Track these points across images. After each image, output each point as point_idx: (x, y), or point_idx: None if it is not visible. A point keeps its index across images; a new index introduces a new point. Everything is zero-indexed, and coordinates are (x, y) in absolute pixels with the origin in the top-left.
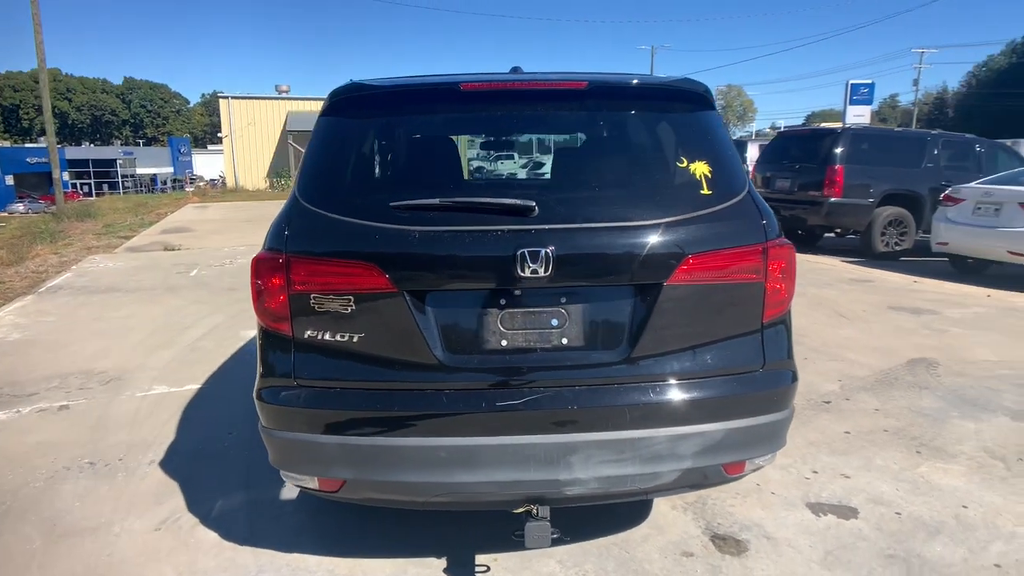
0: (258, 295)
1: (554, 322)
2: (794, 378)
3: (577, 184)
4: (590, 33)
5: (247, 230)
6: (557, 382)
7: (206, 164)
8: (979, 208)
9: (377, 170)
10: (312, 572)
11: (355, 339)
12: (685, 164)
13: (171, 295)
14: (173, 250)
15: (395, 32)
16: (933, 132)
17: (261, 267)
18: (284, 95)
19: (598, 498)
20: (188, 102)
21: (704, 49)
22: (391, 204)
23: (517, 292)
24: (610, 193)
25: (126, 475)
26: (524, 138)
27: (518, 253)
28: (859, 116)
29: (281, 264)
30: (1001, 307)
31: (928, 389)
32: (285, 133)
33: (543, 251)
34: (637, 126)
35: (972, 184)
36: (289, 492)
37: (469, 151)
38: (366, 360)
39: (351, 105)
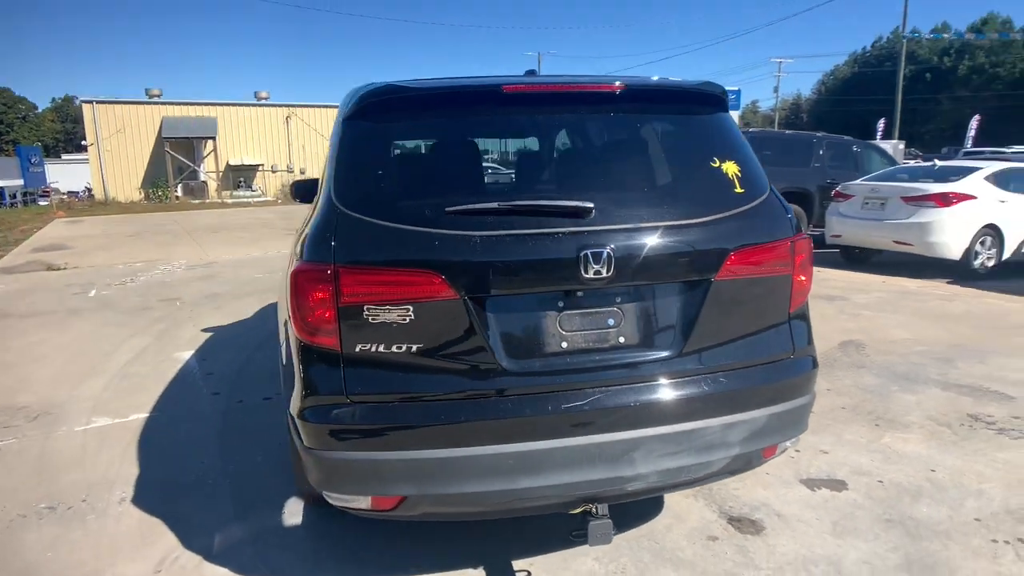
0: (300, 309)
1: (611, 322)
2: (815, 364)
3: (624, 184)
4: (487, 39)
5: (137, 245)
6: (617, 381)
7: (64, 174)
8: (867, 203)
9: (422, 174)
10: None
11: (413, 349)
12: (717, 164)
13: (77, 319)
14: (58, 270)
15: (262, 34)
16: (818, 135)
17: (304, 279)
18: (157, 100)
19: (653, 492)
20: (36, 107)
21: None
22: (448, 209)
23: (579, 293)
24: (656, 193)
25: (97, 517)
26: (563, 139)
27: (581, 254)
28: None
29: (329, 275)
30: (897, 291)
31: (865, 368)
32: (160, 140)
33: (605, 251)
34: (669, 127)
35: (859, 181)
36: (292, 517)
37: (510, 153)
38: (426, 370)
39: (386, 107)
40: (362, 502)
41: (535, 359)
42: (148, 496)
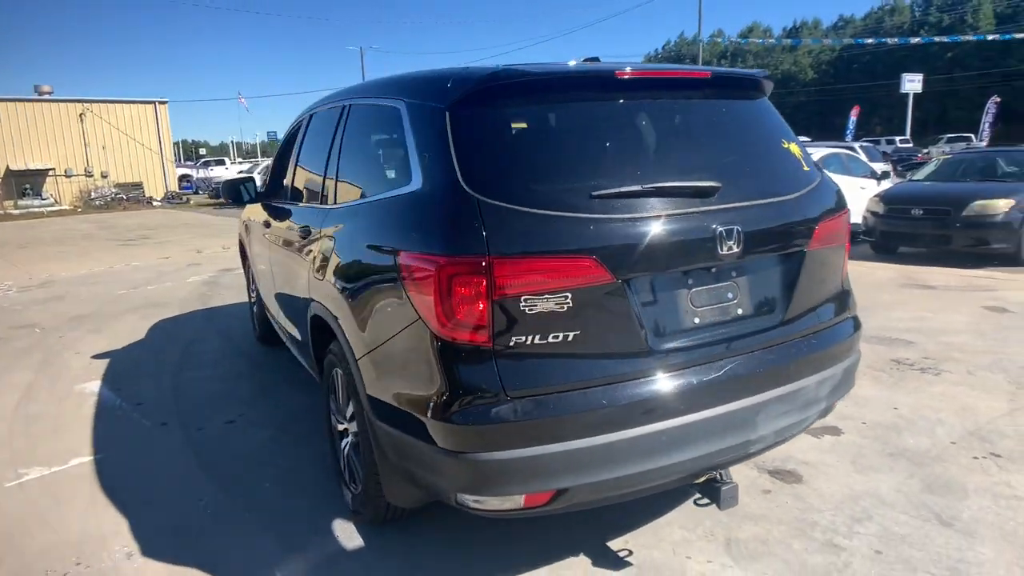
0: (448, 306)
1: (730, 295)
2: (859, 323)
3: (731, 164)
4: (310, 31)
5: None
6: (742, 350)
7: None
8: None
9: (553, 158)
10: None
11: (570, 337)
12: (786, 145)
13: None
14: None
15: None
16: None
17: (453, 274)
18: (48, 96)
19: (764, 451)
20: None
21: (408, 52)
22: (594, 193)
23: (712, 269)
24: (755, 171)
25: None
26: (666, 123)
27: (717, 232)
28: None
29: (484, 268)
30: None
31: None
32: None
33: (735, 228)
34: (744, 111)
35: None
36: (349, 540)
37: (622, 136)
38: (582, 358)
39: (507, 91)
40: (512, 502)
41: (675, 336)
42: (159, 547)
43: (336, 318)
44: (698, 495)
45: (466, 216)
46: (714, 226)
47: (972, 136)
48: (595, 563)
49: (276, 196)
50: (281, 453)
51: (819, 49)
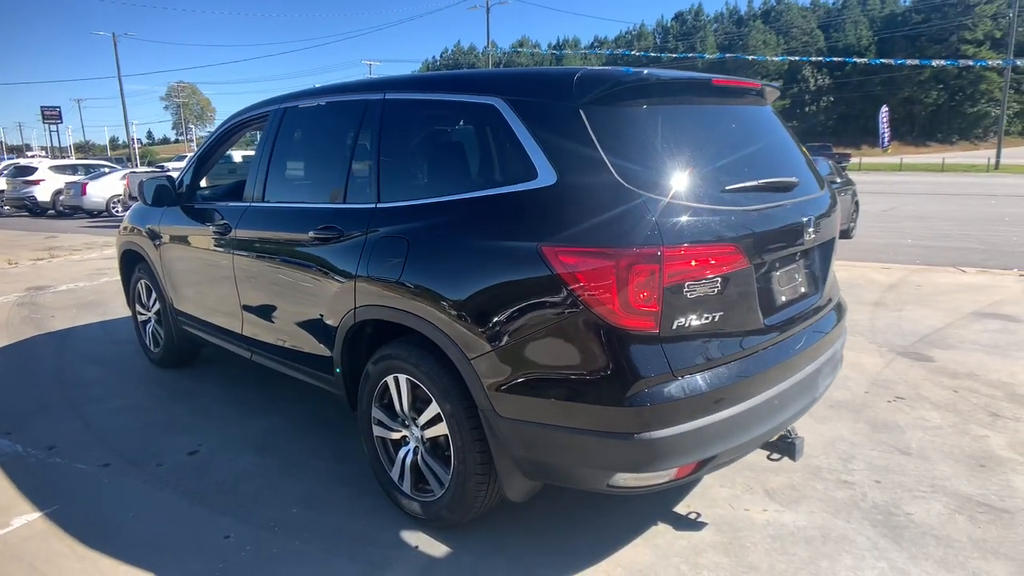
0: (622, 296)
1: (797, 276)
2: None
3: (791, 161)
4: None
5: None
6: (806, 323)
7: None
8: None
9: (685, 155)
10: None
11: (716, 318)
12: (799, 144)
13: None
14: None
15: None
16: None
17: (632, 265)
18: None
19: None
20: None
21: (169, 42)
22: (727, 188)
23: (798, 254)
24: (801, 167)
25: None
26: (743, 125)
27: (805, 220)
28: None
29: (658, 257)
30: None
31: None
32: None
33: (812, 217)
34: (772, 116)
35: None
36: (432, 548)
37: (725, 135)
38: (723, 336)
39: (634, 93)
40: (667, 475)
41: (774, 313)
42: None
43: (424, 319)
44: (766, 452)
45: (636, 209)
46: (803, 216)
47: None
48: (677, 527)
49: (221, 198)
50: (282, 477)
51: (583, 66)
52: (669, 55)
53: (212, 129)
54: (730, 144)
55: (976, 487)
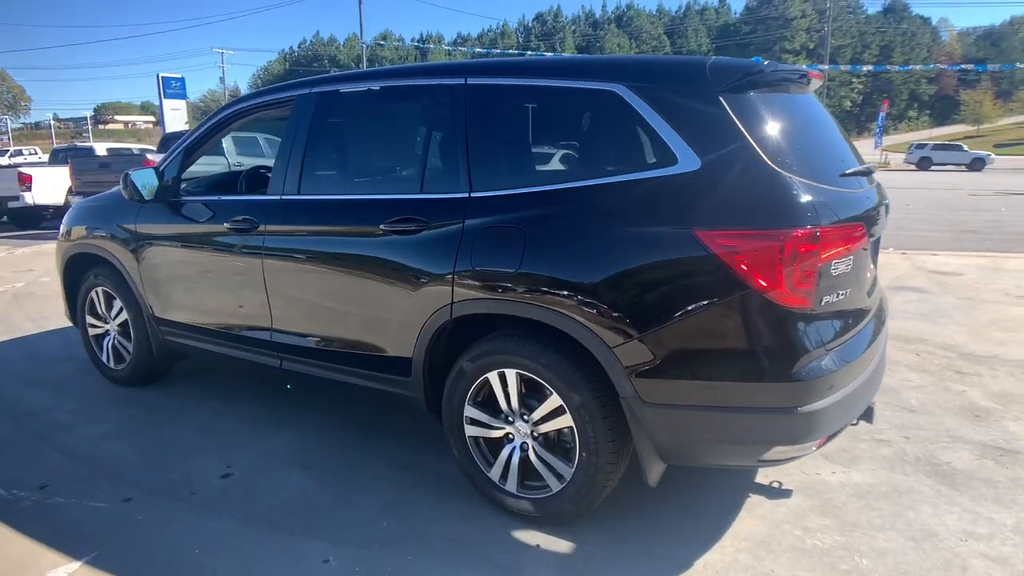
0: (788, 275)
1: (872, 259)
2: None
3: (848, 149)
4: None
5: None
6: (877, 300)
7: None
8: None
9: (808, 141)
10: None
11: (846, 296)
12: None
13: None
14: None
15: None
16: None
17: (796, 244)
18: None
19: None
20: None
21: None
22: (843, 173)
23: (875, 236)
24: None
25: None
26: (814, 113)
27: (884, 204)
28: (176, 110)
29: (817, 237)
30: None
31: None
32: None
33: (886, 202)
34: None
35: None
36: (553, 544)
37: (821, 122)
38: (848, 313)
39: (765, 82)
40: (813, 446)
41: (870, 290)
42: None
43: (555, 311)
44: None
45: (791, 191)
46: (881, 200)
47: None
48: (769, 497)
49: (215, 192)
50: (349, 491)
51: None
52: (533, 52)
53: (28, 120)
54: (821, 130)
55: (983, 434)
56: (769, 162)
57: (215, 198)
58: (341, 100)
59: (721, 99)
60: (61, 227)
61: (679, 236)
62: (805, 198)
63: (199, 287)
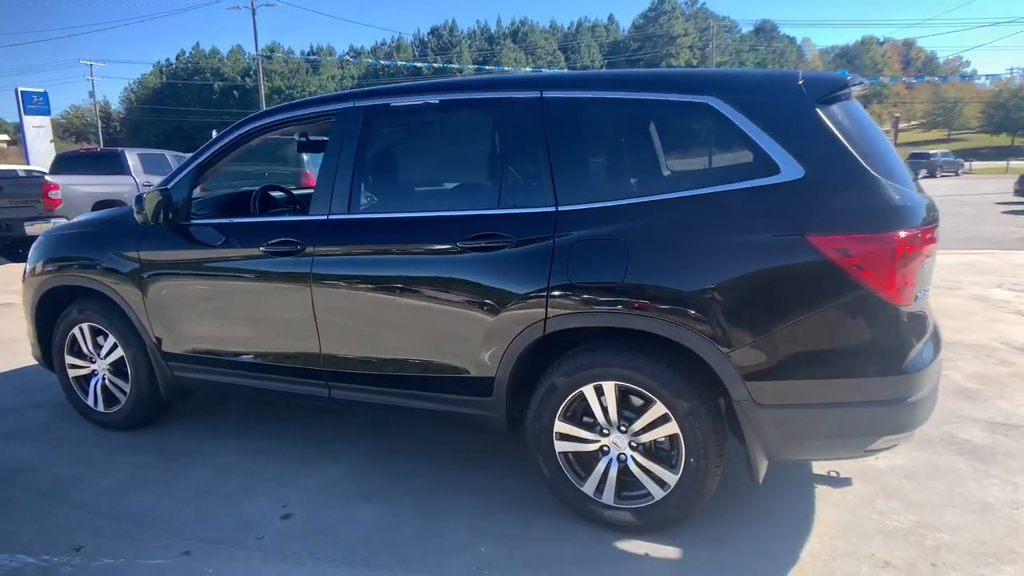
0: (899, 274)
1: None
2: None
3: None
4: None
5: None
6: None
7: None
8: None
9: (878, 147)
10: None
11: (926, 292)
12: None
13: None
14: None
15: None
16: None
17: (906, 245)
18: None
19: None
20: None
21: None
22: (913, 177)
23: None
24: None
25: None
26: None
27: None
28: (39, 127)
29: (918, 238)
30: None
31: None
32: None
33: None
34: None
35: None
36: (659, 552)
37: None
38: (926, 309)
39: (847, 93)
40: (912, 434)
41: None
42: None
43: (664, 321)
44: None
45: (892, 196)
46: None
47: None
48: (834, 486)
49: (231, 214)
50: (431, 521)
51: (341, 75)
52: (434, 66)
53: None
54: (880, 136)
55: (982, 413)
56: (868, 168)
57: (242, 220)
58: (394, 114)
59: (818, 111)
60: (28, 262)
61: (790, 242)
62: (905, 201)
63: (224, 317)
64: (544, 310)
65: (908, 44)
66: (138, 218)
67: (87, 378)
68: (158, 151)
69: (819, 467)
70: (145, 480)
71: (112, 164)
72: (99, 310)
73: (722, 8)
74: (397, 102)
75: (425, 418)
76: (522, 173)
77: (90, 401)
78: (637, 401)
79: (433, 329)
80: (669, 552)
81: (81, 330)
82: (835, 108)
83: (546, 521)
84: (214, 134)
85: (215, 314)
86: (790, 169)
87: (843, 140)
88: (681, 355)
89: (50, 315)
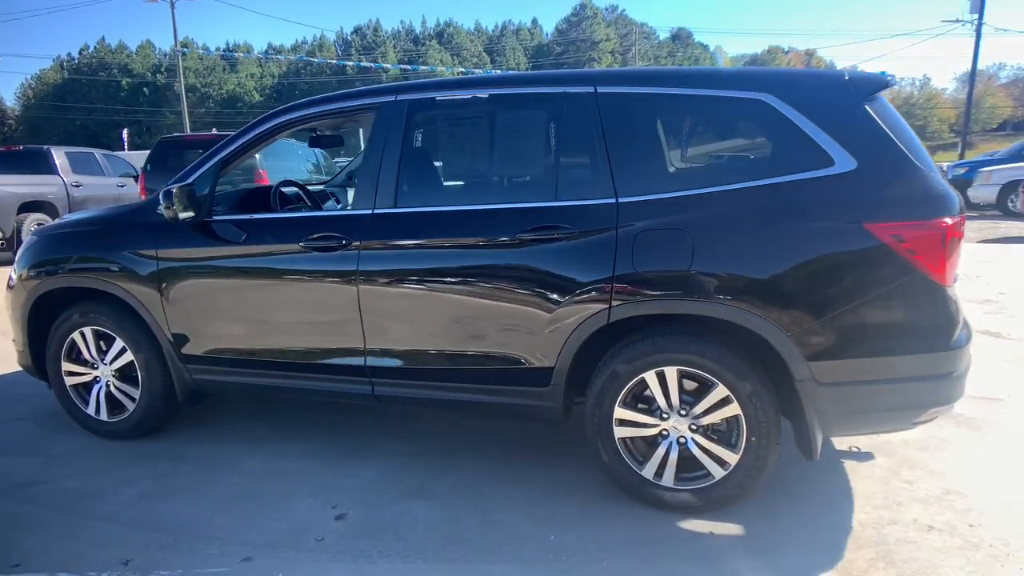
0: (950, 258)
1: None
2: None
3: None
4: None
5: None
6: None
7: None
8: None
9: (915, 139)
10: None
11: (958, 274)
12: None
13: None
14: None
15: None
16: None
17: (953, 230)
18: None
19: None
20: None
21: None
22: (940, 169)
23: None
24: None
25: None
26: None
27: None
28: None
29: (960, 224)
30: None
31: None
32: None
33: None
34: None
35: None
36: (726, 529)
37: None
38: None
39: (885, 90)
40: (954, 406)
41: None
42: None
43: (729, 306)
44: None
45: (937, 185)
46: None
47: None
48: (859, 461)
49: (253, 209)
50: (486, 513)
51: (260, 73)
52: (359, 64)
53: None
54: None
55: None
56: (914, 160)
57: (277, 216)
58: (440, 108)
59: (866, 106)
60: (17, 265)
61: (848, 229)
62: (947, 191)
63: (256, 315)
64: (608, 299)
65: (809, 54)
66: (166, 214)
67: (88, 386)
68: (86, 149)
69: (840, 443)
70: (171, 489)
71: (37, 163)
72: (106, 312)
73: (640, 15)
74: (442, 96)
75: (473, 411)
76: (579, 166)
77: (91, 410)
78: (692, 385)
79: (490, 322)
80: (732, 528)
81: (83, 335)
82: (879, 104)
83: (603, 506)
84: (125, 134)
85: (246, 313)
86: (844, 161)
87: (890, 134)
88: (737, 339)
89: (42, 320)
